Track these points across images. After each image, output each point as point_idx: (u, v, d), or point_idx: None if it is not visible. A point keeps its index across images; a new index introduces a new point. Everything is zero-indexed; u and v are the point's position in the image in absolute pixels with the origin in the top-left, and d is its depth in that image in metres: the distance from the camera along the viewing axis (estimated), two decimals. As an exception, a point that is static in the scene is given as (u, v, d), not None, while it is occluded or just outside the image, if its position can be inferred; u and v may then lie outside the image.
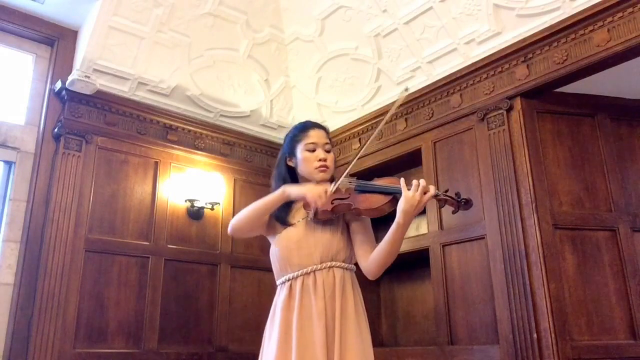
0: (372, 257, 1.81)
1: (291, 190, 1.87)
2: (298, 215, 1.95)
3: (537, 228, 2.66)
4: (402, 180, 1.73)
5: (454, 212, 1.76)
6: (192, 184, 3.57)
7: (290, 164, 2.01)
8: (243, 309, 3.66)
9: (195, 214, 3.59)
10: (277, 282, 1.93)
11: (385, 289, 3.81)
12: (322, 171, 1.92)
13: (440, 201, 1.74)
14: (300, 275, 1.84)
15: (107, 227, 3.23)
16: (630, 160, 2.96)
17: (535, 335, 2.54)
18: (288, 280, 1.86)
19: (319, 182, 1.91)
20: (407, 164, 3.57)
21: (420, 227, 3.48)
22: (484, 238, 2.87)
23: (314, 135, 1.97)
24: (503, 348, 2.65)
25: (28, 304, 2.93)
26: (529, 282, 2.61)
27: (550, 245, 2.65)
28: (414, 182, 1.69)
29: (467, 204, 1.74)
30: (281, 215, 1.95)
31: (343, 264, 1.87)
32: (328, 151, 1.98)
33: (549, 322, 2.51)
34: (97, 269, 3.13)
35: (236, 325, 3.60)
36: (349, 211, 1.84)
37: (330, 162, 1.96)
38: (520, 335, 2.59)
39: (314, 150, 1.94)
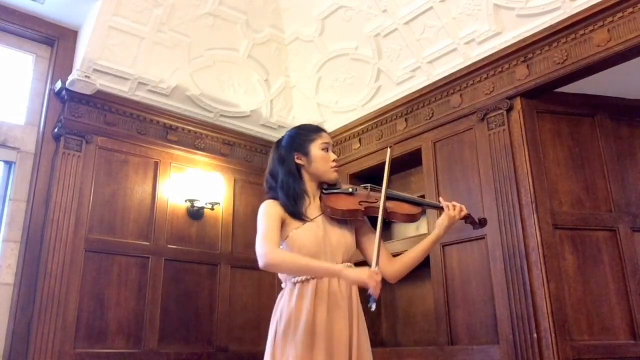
0: (402, 264, 1.96)
1: (348, 273, 1.72)
2: (313, 211, 1.93)
3: (537, 228, 2.66)
4: (441, 200, 2.04)
5: (475, 228, 2.10)
6: (192, 184, 3.57)
7: (298, 161, 2.00)
8: (243, 309, 3.66)
9: (195, 214, 3.59)
10: (295, 280, 1.83)
11: (385, 289, 3.77)
12: (335, 171, 2.02)
13: (467, 218, 2.03)
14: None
15: (107, 227, 3.23)
16: (630, 160, 2.96)
17: (535, 335, 2.54)
18: (313, 279, 1.80)
19: (331, 180, 2.00)
20: (407, 164, 3.57)
21: (420, 227, 3.48)
22: (484, 238, 2.87)
23: (327, 137, 2.05)
24: (503, 348, 2.65)
25: (28, 304, 2.93)
26: (529, 282, 2.61)
27: (550, 245, 2.65)
28: (456, 204, 1.99)
29: (481, 223, 2.07)
30: (298, 210, 1.90)
31: (353, 265, 1.89)
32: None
33: (549, 322, 2.52)
34: (97, 269, 3.13)
35: (236, 325, 3.60)
36: (385, 214, 1.89)
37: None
38: (520, 335, 2.59)
39: (327, 150, 2.01)
